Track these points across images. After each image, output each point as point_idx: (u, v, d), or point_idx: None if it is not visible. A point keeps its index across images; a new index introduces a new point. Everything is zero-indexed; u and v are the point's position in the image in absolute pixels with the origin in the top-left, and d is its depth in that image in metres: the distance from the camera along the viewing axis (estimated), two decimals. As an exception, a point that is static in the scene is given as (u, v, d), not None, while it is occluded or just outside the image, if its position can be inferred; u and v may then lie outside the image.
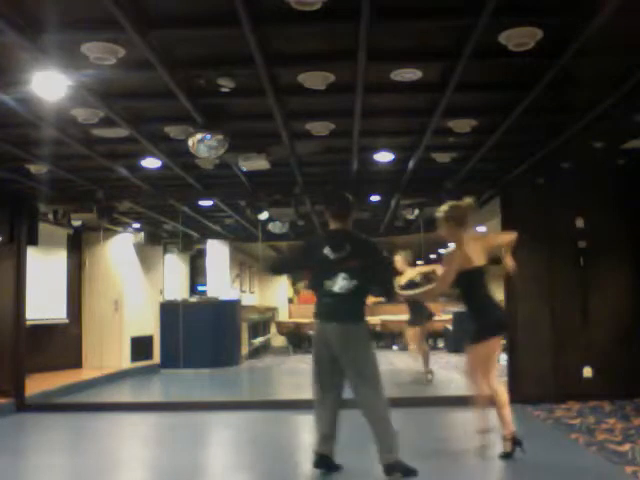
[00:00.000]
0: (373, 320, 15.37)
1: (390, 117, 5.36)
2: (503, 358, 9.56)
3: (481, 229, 12.34)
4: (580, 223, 7.02)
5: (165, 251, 12.46)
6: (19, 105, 4.58)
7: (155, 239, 11.55)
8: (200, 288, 13.78)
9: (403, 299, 7.45)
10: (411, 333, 8.67)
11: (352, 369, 4.19)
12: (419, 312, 8.44)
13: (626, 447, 4.68)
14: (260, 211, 8.33)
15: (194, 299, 12.18)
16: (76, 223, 8.78)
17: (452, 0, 3.43)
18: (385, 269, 4.74)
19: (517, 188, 7.18)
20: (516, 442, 4.48)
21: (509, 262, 4.82)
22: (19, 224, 7.51)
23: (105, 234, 10.85)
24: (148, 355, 11.33)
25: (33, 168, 6.55)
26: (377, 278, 4.49)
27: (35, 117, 4.88)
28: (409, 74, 4.27)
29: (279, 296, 18.26)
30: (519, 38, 3.66)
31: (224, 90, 4.41)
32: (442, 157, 6.57)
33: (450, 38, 3.78)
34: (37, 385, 7.90)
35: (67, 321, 10.29)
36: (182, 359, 11.03)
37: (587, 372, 6.80)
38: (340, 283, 4.18)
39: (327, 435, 4.26)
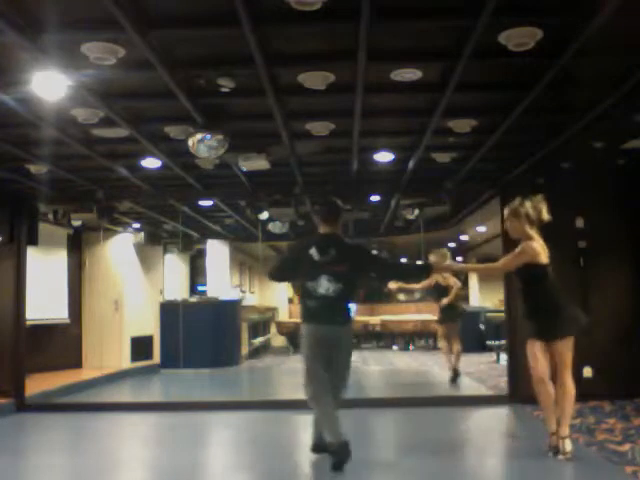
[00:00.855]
0: (373, 320, 15.41)
1: (390, 117, 5.36)
2: (503, 358, 9.63)
3: (481, 229, 12.37)
4: (580, 223, 7.02)
5: (165, 251, 12.46)
6: (19, 105, 4.58)
7: (155, 239, 11.54)
8: (200, 288, 13.79)
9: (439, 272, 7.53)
10: (442, 331, 8.69)
11: (335, 369, 4.39)
12: (451, 310, 8.49)
13: (626, 447, 4.68)
14: (260, 211, 8.33)
15: (194, 299, 12.18)
16: (76, 223, 8.78)
17: (452, 0, 3.43)
18: (380, 261, 4.92)
19: (517, 188, 7.15)
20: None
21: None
22: (19, 224, 7.51)
23: (105, 234, 10.85)
24: (148, 355, 11.33)
25: (33, 168, 6.55)
26: (376, 271, 4.65)
27: (35, 117, 4.88)
28: (409, 74, 4.27)
29: (279, 296, 18.27)
30: (519, 38, 3.66)
31: (224, 90, 4.41)
32: (442, 157, 6.57)
33: (450, 38, 3.78)
34: (37, 385, 7.89)
35: (67, 321, 10.28)
36: (182, 359, 11.03)
37: (587, 372, 6.79)
38: (324, 285, 4.28)
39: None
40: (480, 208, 8.97)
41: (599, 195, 6.99)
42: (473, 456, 5.00)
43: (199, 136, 5.03)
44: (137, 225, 10.78)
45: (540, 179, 7.07)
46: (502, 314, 8.66)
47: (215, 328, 11.32)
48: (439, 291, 8.65)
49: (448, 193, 7.26)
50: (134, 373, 10.46)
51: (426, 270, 5.27)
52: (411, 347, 14.86)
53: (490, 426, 6.33)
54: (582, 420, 5.76)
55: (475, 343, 12.13)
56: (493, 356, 11.23)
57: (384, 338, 15.29)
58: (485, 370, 9.87)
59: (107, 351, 10.76)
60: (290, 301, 18.71)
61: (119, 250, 11.20)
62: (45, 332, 9.60)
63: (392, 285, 7.98)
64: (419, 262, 5.55)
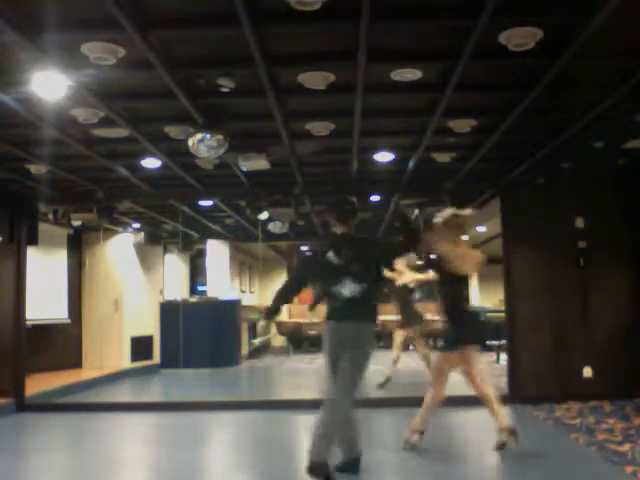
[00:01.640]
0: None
1: (390, 117, 5.36)
2: (503, 358, 9.62)
3: (481, 229, 12.36)
4: (580, 223, 7.02)
5: (165, 251, 12.46)
6: (19, 105, 4.58)
7: (155, 239, 11.54)
8: (200, 288, 13.78)
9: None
10: (398, 335, 8.55)
11: (348, 365, 4.16)
12: (410, 313, 8.36)
13: (626, 447, 4.68)
14: (260, 211, 8.33)
15: (194, 299, 12.18)
16: (76, 223, 8.80)
17: (452, 0, 3.43)
18: (394, 246, 4.77)
19: (517, 188, 7.18)
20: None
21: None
22: (19, 224, 7.50)
23: (105, 234, 10.85)
24: (148, 355, 11.33)
25: (33, 168, 6.56)
26: (385, 262, 4.41)
27: (35, 117, 4.88)
28: (409, 74, 4.27)
29: (279, 296, 18.24)
30: (519, 38, 3.66)
31: (224, 90, 4.41)
32: (442, 157, 6.57)
33: (450, 38, 3.78)
34: (37, 385, 7.89)
35: (67, 321, 10.28)
36: (182, 359, 11.04)
37: (587, 372, 6.80)
38: (349, 287, 4.17)
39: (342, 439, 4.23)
40: (480, 208, 8.97)
41: (599, 195, 7.00)
42: (473, 456, 5.00)
43: (199, 136, 5.02)
44: (137, 225, 10.78)
45: (540, 179, 7.08)
46: (502, 314, 8.66)
47: (215, 328, 11.32)
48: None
49: (448, 193, 7.26)
50: (134, 373, 10.45)
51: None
52: (411, 347, 14.84)
53: (490, 426, 6.32)
54: (582, 420, 5.77)
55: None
56: (493, 356, 11.23)
57: (384, 338, 15.27)
58: (485, 370, 9.85)
59: (107, 351, 10.76)
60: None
61: (119, 250, 11.20)
62: (45, 332, 9.59)
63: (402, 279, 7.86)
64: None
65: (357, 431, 4.22)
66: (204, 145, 5.05)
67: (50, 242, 9.59)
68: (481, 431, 6.13)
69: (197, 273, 14.22)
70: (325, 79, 4.31)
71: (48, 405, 7.45)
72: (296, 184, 7.53)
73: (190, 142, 5.08)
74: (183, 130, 5.29)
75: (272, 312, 4.57)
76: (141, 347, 11.21)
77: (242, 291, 15.06)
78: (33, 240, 7.77)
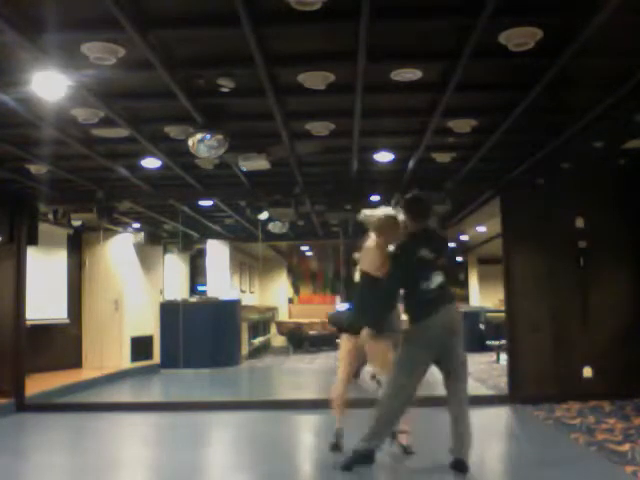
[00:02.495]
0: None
1: (390, 117, 5.36)
2: (503, 358, 9.62)
3: (481, 229, 12.37)
4: (580, 223, 7.02)
5: (165, 251, 12.46)
6: (19, 105, 4.58)
7: (155, 239, 11.54)
8: (200, 288, 13.78)
9: None
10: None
11: (456, 356, 4.24)
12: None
13: (626, 447, 4.68)
14: (260, 211, 8.33)
15: (194, 299, 12.18)
16: (76, 223, 8.78)
17: (452, 0, 3.43)
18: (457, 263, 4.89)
19: (517, 188, 7.18)
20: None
21: None
22: (19, 224, 7.51)
23: (105, 234, 10.85)
24: (148, 355, 11.33)
25: (33, 168, 6.55)
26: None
27: (35, 117, 4.88)
28: (409, 74, 4.27)
29: (279, 296, 18.27)
30: (519, 38, 3.66)
31: (224, 90, 4.41)
32: (442, 157, 6.57)
33: (450, 38, 3.78)
34: (37, 385, 7.89)
35: (67, 321, 10.28)
36: (182, 359, 11.03)
37: (587, 372, 6.80)
38: (435, 280, 4.23)
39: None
40: (480, 208, 8.98)
41: (599, 195, 6.99)
42: (473, 456, 4.99)
43: (199, 136, 5.02)
44: (137, 225, 10.78)
45: (540, 179, 7.07)
46: (502, 314, 8.65)
47: (215, 328, 11.32)
48: None
49: (448, 193, 7.26)
50: (134, 373, 10.45)
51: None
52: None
53: (490, 426, 6.32)
54: (582, 420, 5.77)
55: (475, 343, 12.12)
56: (493, 356, 11.23)
57: None
58: (485, 370, 9.86)
59: (107, 351, 10.76)
60: (290, 301, 18.72)
61: (119, 250, 11.20)
62: (45, 332, 9.59)
63: None
64: None
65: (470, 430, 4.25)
66: (204, 145, 5.05)
67: (50, 242, 9.59)
68: (481, 431, 6.14)
69: (197, 273, 14.21)
70: (325, 79, 4.31)
71: (48, 405, 7.45)
72: (296, 184, 7.53)
73: (190, 142, 5.08)
74: (183, 130, 5.29)
75: (379, 323, 4.48)
76: (141, 347, 11.21)
77: (242, 291, 15.07)
78: (33, 240, 7.77)
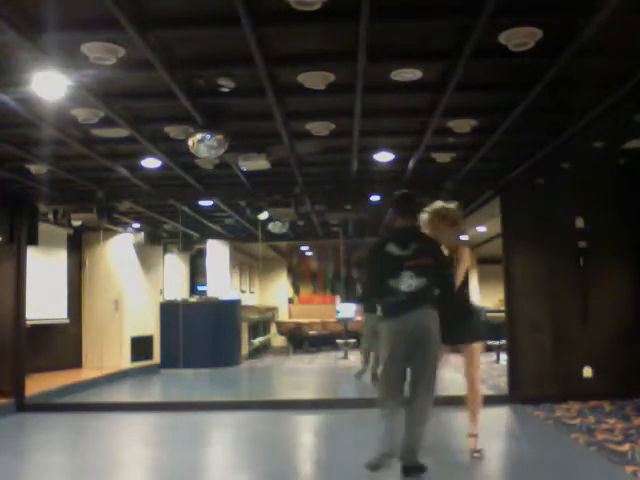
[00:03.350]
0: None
1: (390, 117, 5.36)
2: (503, 358, 9.62)
3: (481, 229, 12.36)
4: (580, 223, 7.02)
5: (165, 251, 12.45)
6: (19, 105, 4.58)
7: (155, 239, 11.54)
8: (200, 288, 13.78)
9: None
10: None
11: (420, 363, 4.06)
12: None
13: (626, 447, 4.68)
14: (260, 211, 8.33)
15: (194, 299, 12.18)
16: (76, 223, 8.78)
17: (452, 0, 3.43)
18: (445, 272, 4.40)
19: (517, 188, 7.18)
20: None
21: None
22: (19, 224, 7.51)
23: (105, 234, 10.85)
24: (148, 355, 11.33)
25: (33, 168, 6.55)
26: (437, 281, 4.23)
27: (35, 117, 4.88)
28: (409, 74, 4.27)
29: (279, 296, 18.27)
30: (519, 38, 3.66)
31: (224, 90, 4.41)
32: (442, 157, 6.57)
33: (450, 38, 3.78)
34: (37, 385, 7.89)
35: (67, 321, 10.28)
36: (182, 359, 11.03)
37: (587, 372, 6.80)
38: (407, 282, 4.02)
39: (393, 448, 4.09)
40: (480, 208, 8.97)
41: (599, 195, 6.99)
42: (471, 456, 4.99)
43: (199, 136, 5.02)
44: (137, 225, 10.78)
45: (540, 179, 7.07)
46: (502, 314, 8.65)
47: (215, 328, 11.32)
48: None
49: (448, 193, 7.25)
50: (134, 373, 10.45)
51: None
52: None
53: (490, 426, 6.32)
54: (582, 420, 5.76)
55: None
56: (493, 356, 11.23)
57: None
58: (485, 370, 9.85)
59: (107, 351, 10.75)
60: (290, 301, 18.71)
61: (119, 250, 11.20)
62: (45, 332, 9.59)
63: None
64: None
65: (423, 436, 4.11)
66: (204, 145, 5.05)
67: (50, 242, 9.59)
68: (481, 431, 6.14)
69: (197, 273, 14.21)
70: (325, 79, 4.31)
71: (48, 405, 7.45)
72: (296, 184, 7.53)
73: (190, 142, 5.08)
74: (183, 130, 5.29)
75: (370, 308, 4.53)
76: (141, 347, 11.21)
77: (242, 291, 15.07)
78: (33, 240, 7.78)
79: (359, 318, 12.96)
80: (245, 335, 12.98)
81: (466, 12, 3.39)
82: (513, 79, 4.46)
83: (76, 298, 10.81)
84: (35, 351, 8.72)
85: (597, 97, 4.72)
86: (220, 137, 5.04)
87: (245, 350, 12.87)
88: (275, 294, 18.21)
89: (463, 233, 4.77)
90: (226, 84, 4.32)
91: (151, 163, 6.53)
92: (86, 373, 9.96)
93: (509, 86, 4.59)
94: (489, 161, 6.68)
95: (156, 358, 11.35)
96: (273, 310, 17.10)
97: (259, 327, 14.72)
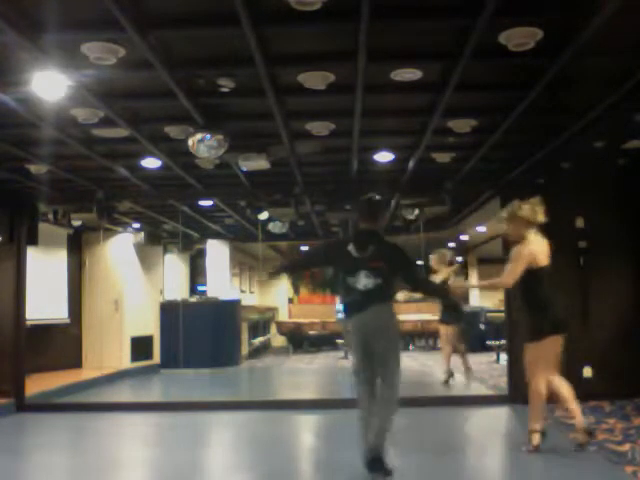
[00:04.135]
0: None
1: (390, 117, 5.36)
2: (503, 358, 9.63)
3: (481, 229, 12.37)
4: (580, 223, 7.02)
5: (165, 251, 12.45)
6: (19, 105, 4.58)
7: (155, 239, 11.54)
8: (200, 288, 13.79)
9: (455, 293, 7.44)
10: (444, 332, 8.55)
11: (381, 358, 4.19)
12: (454, 310, 8.36)
13: (626, 447, 4.68)
14: (260, 211, 8.33)
15: (194, 299, 12.17)
16: (76, 223, 8.78)
17: (452, 0, 3.43)
18: (414, 271, 4.61)
19: (517, 188, 7.17)
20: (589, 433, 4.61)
21: None
22: (19, 224, 7.50)
23: (105, 234, 10.84)
24: (148, 355, 11.33)
25: (33, 168, 6.55)
26: (407, 279, 4.45)
27: (35, 117, 4.88)
28: (409, 74, 4.27)
29: (279, 296, 18.27)
30: (519, 38, 3.66)
31: (224, 90, 4.41)
32: (442, 157, 6.57)
33: (450, 38, 3.78)
34: (37, 385, 7.89)
35: (67, 321, 10.28)
36: (182, 359, 11.02)
37: (587, 372, 6.79)
38: (363, 281, 4.17)
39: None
40: (480, 208, 8.97)
41: (599, 195, 6.99)
42: (473, 456, 5.00)
43: (199, 136, 5.03)
44: (137, 225, 10.78)
45: (540, 179, 7.07)
46: (502, 314, 8.65)
47: (215, 328, 11.31)
48: None
49: (448, 193, 7.26)
50: (134, 373, 10.45)
51: (446, 292, 6.07)
52: (411, 347, 14.85)
53: (490, 426, 6.33)
54: (582, 420, 5.75)
55: (475, 343, 12.12)
56: (493, 356, 11.23)
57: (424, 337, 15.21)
58: (485, 370, 9.86)
59: (107, 351, 10.75)
60: (290, 301, 18.71)
61: (119, 250, 11.19)
62: (45, 332, 9.59)
63: (401, 297, 7.91)
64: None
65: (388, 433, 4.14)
66: (204, 145, 5.06)
67: (50, 242, 9.58)
68: (481, 431, 6.14)
69: (197, 273, 14.22)
70: (325, 79, 4.31)
71: (48, 405, 7.45)
72: (296, 184, 7.53)
73: (190, 142, 5.08)
74: (183, 130, 5.30)
75: (274, 273, 5.22)
76: (141, 347, 11.20)
77: (242, 291, 15.07)
78: (33, 240, 7.77)
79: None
80: (245, 335, 12.97)
81: (466, 12, 3.39)
82: (513, 79, 4.46)
83: (76, 298, 10.80)
84: (35, 351, 8.72)
85: (597, 97, 4.72)
86: (220, 137, 5.05)
87: (245, 350, 12.87)
88: (275, 294, 18.22)
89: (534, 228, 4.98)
90: (226, 84, 4.32)
91: (151, 163, 6.53)
92: (86, 373, 9.96)
93: (509, 86, 4.59)
94: (489, 161, 6.68)
95: (156, 358, 11.34)
96: (273, 310, 17.11)
97: (259, 327, 14.72)
